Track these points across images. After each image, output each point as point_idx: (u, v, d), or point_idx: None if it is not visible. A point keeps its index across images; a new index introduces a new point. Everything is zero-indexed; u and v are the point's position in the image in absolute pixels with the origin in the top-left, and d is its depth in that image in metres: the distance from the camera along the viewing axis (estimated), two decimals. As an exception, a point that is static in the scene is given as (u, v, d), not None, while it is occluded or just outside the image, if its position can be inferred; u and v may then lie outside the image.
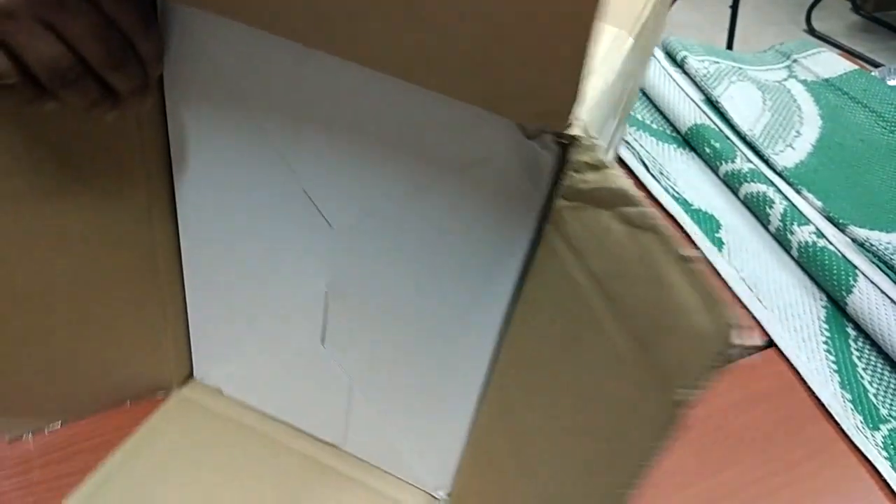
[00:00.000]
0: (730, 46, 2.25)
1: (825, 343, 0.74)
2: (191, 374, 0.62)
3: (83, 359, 0.54)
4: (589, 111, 0.31)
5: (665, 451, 0.29)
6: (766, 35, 2.68)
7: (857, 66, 1.09)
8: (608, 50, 0.37)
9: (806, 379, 0.70)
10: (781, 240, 0.83)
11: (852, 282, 0.75)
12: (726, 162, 0.89)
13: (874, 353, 0.73)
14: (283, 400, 0.59)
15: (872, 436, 0.66)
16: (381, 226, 0.42)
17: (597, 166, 0.30)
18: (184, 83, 0.42)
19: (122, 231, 0.49)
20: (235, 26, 0.37)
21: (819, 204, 0.84)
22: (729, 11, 2.23)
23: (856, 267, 0.77)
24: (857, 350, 0.73)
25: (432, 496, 0.57)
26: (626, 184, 0.29)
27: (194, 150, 0.46)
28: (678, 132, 0.95)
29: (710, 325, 0.26)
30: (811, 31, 2.68)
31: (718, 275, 0.79)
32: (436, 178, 0.37)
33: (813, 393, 0.69)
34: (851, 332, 0.75)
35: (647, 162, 0.89)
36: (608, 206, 0.29)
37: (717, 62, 1.03)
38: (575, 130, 0.29)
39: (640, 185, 0.87)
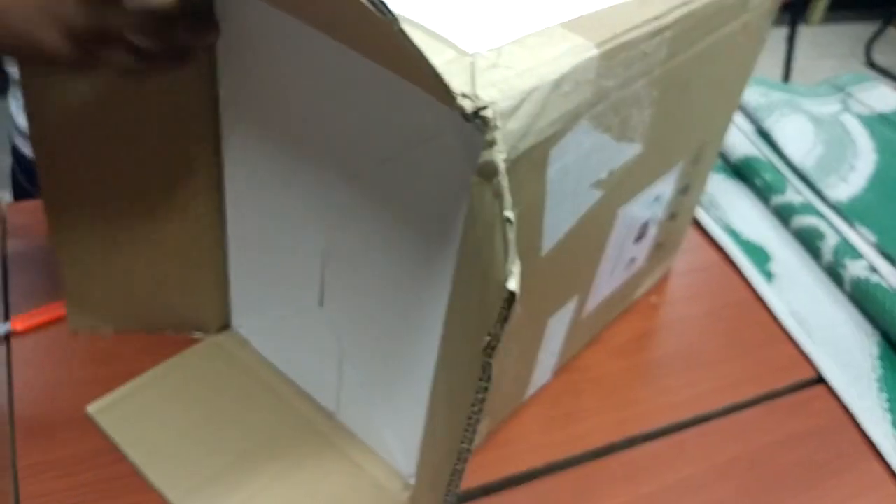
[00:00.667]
0: (786, 79, 2.23)
1: (878, 381, 0.72)
2: (228, 325, 0.69)
3: (139, 277, 0.64)
4: (509, 99, 0.36)
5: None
6: (824, 68, 2.65)
7: (914, 100, 1.07)
8: (556, 55, 0.40)
9: (856, 417, 0.69)
10: (833, 274, 0.81)
11: (907, 318, 0.74)
12: (777, 194, 0.88)
13: (929, 393, 0.71)
14: (294, 361, 0.64)
15: (925, 477, 0.64)
16: (361, 189, 0.48)
17: (490, 142, 0.35)
18: (232, 60, 0.52)
19: (180, 176, 0.59)
20: (266, 14, 0.47)
21: (873, 239, 0.82)
22: (785, 44, 2.21)
23: (910, 303, 0.75)
24: (911, 389, 0.71)
25: (406, 483, 0.59)
26: (498, 157, 0.35)
27: (238, 119, 0.55)
28: (728, 163, 0.95)
29: (502, 277, 0.35)
30: (871, 64, 2.64)
31: (767, 308, 0.78)
32: (400, 149, 0.44)
33: (863, 431, 0.68)
34: (906, 370, 0.73)
35: (696, 193, 0.89)
36: (489, 177, 0.36)
37: (770, 94, 1.02)
38: (487, 113, 0.35)
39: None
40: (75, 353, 0.65)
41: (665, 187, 0.63)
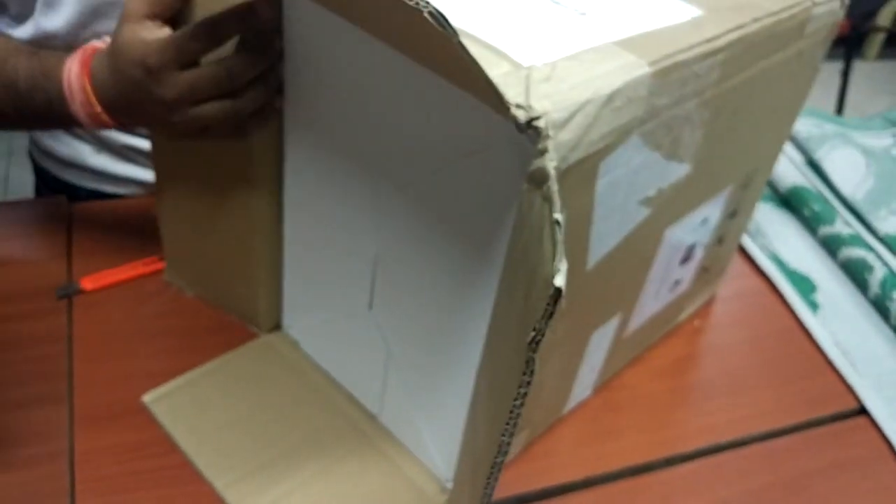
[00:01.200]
0: (839, 113, 2.21)
1: (921, 415, 0.72)
2: (280, 325, 0.72)
3: (214, 259, 0.69)
4: (563, 110, 0.38)
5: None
6: (878, 104, 2.62)
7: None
8: (609, 71, 0.41)
9: (897, 449, 0.69)
10: (880, 307, 0.81)
11: (953, 354, 0.73)
12: (825, 225, 0.88)
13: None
14: (340, 363, 0.67)
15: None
16: (414, 197, 0.51)
17: (541, 151, 0.37)
18: (297, 69, 0.56)
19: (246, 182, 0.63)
20: (330, 25, 0.49)
21: (922, 273, 0.82)
22: (839, 78, 2.19)
23: (957, 339, 0.75)
24: (955, 425, 0.71)
25: (443, 486, 0.61)
26: (549, 164, 0.37)
27: (299, 126, 0.58)
28: (777, 192, 0.95)
29: (550, 275, 0.36)
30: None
31: (810, 337, 0.78)
32: (453, 159, 0.46)
33: (905, 464, 0.68)
34: (950, 405, 0.72)
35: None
36: (539, 184, 0.37)
37: (822, 126, 1.02)
38: (540, 123, 0.36)
39: (735, 242, 0.88)
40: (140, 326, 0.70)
41: (713, 210, 0.64)
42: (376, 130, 0.51)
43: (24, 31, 0.75)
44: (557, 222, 0.36)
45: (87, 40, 0.72)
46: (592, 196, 0.45)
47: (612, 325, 0.62)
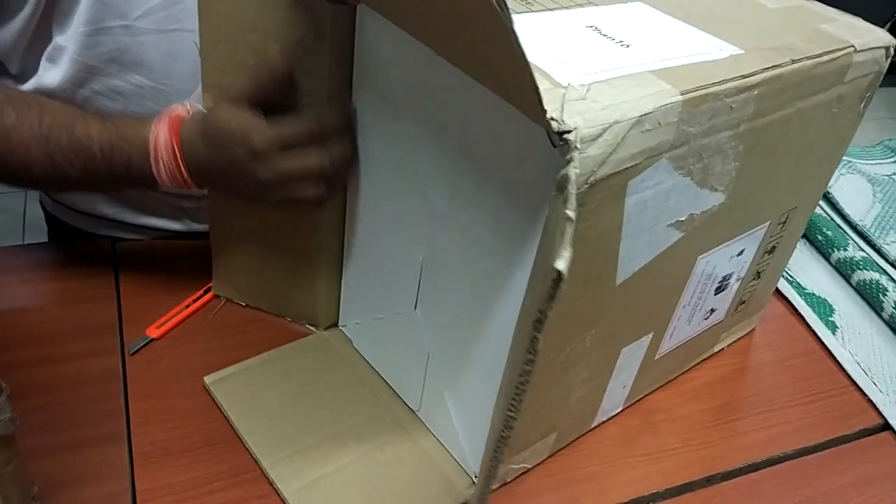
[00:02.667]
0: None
1: (942, 430, 0.75)
2: (336, 323, 0.77)
3: (269, 266, 0.75)
4: (591, 127, 0.41)
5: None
6: (866, 130, 2.67)
7: (966, 162, 1.11)
8: (641, 96, 0.45)
9: (923, 463, 0.71)
10: (895, 327, 0.84)
11: (970, 370, 0.76)
12: (838, 249, 0.92)
13: None
14: (387, 361, 0.72)
15: None
16: (459, 205, 0.55)
17: (569, 160, 0.41)
18: (362, 91, 0.61)
19: None
20: (393, 37, 0.55)
21: (933, 294, 0.86)
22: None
23: (973, 356, 0.78)
24: (977, 437, 0.74)
25: (473, 480, 0.64)
26: (571, 170, 0.41)
27: (363, 138, 0.64)
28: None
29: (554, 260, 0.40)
30: (912, 126, 2.66)
31: (833, 357, 0.81)
32: (496, 170, 0.50)
33: (930, 477, 0.71)
34: (970, 419, 0.75)
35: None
36: (562, 189, 0.41)
37: (827, 154, 1.06)
38: (570, 136, 0.40)
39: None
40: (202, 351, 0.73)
41: (749, 244, 0.67)
42: (430, 143, 0.56)
43: (23, 90, 0.77)
44: (569, 218, 0.40)
45: (84, 98, 0.76)
46: (621, 213, 0.48)
47: (644, 343, 0.65)
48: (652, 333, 0.65)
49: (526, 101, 0.41)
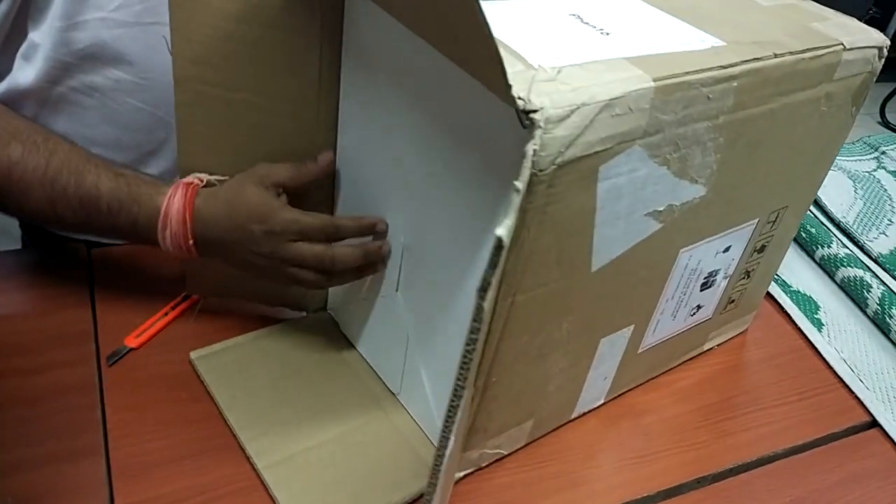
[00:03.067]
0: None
1: (928, 426, 0.75)
2: (325, 307, 0.78)
3: None
4: (558, 108, 0.41)
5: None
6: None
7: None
8: (612, 80, 0.44)
9: (911, 460, 0.71)
10: (880, 323, 0.84)
11: (955, 366, 0.76)
12: (822, 246, 0.91)
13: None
14: (370, 344, 0.72)
15: None
16: (437, 186, 0.55)
17: (530, 138, 0.41)
18: (353, 61, 0.61)
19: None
20: (381, 19, 0.54)
21: (917, 290, 0.86)
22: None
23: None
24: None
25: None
26: (529, 147, 0.41)
27: (350, 124, 0.64)
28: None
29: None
30: (885, 123, 2.69)
31: (819, 354, 0.81)
32: (472, 151, 0.51)
33: (918, 474, 0.70)
34: (956, 415, 0.75)
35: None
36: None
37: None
38: (536, 116, 0.40)
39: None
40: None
41: (736, 241, 0.66)
42: (408, 124, 0.56)
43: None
44: (517, 189, 0.41)
45: (59, 96, 0.74)
46: (593, 198, 0.48)
47: (625, 335, 0.64)
48: (633, 326, 0.65)
49: (494, 80, 0.41)
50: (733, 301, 0.75)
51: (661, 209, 0.54)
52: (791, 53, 0.53)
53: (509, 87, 0.39)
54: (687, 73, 0.47)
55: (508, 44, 0.45)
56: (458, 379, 0.46)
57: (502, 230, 0.39)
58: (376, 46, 0.57)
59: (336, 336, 0.75)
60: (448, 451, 0.50)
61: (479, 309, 0.43)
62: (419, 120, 0.55)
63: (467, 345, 0.45)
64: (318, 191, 0.68)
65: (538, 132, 0.41)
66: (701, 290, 0.68)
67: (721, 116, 0.51)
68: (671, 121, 0.48)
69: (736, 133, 0.54)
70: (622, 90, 0.44)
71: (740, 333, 0.83)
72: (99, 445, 0.63)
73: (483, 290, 0.42)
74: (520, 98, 0.40)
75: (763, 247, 0.71)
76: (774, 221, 0.69)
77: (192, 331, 0.73)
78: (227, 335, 0.73)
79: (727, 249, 0.66)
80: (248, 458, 0.63)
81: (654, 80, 0.46)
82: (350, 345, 0.74)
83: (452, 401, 0.48)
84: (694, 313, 0.70)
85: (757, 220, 0.66)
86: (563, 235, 0.48)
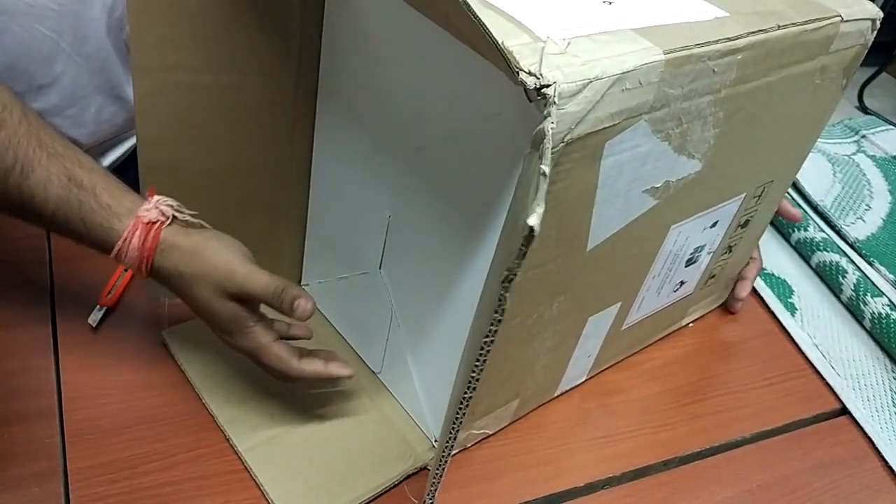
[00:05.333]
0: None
1: (898, 415, 0.74)
2: (299, 282, 0.75)
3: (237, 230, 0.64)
4: (570, 82, 0.39)
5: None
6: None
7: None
8: (623, 53, 0.42)
9: (879, 448, 0.71)
10: (854, 309, 0.84)
11: (926, 356, 0.76)
12: (799, 230, 0.90)
13: (949, 428, 0.73)
14: (349, 321, 0.70)
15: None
16: (427, 160, 0.54)
17: (545, 116, 0.38)
18: (332, 45, 0.59)
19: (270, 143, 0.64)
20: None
21: (892, 277, 0.85)
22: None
23: (930, 341, 0.77)
24: (932, 423, 0.73)
25: (432, 444, 0.63)
26: (547, 125, 0.38)
27: (331, 97, 0.61)
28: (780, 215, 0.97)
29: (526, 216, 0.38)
30: (863, 108, 2.69)
31: (792, 339, 0.80)
32: (467, 124, 0.49)
33: (886, 462, 0.70)
34: (925, 405, 0.75)
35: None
36: (537, 145, 0.39)
37: (788, 132, 1.05)
38: (548, 91, 0.38)
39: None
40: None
41: (723, 216, 0.65)
42: (398, 95, 0.54)
43: None
44: (543, 173, 0.38)
45: None
46: (596, 175, 0.46)
47: (611, 312, 0.63)
48: (620, 303, 0.63)
49: (499, 60, 0.39)
50: (714, 276, 0.74)
51: (658, 185, 0.52)
52: (794, 25, 0.51)
53: (509, 61, 0.38)
54: (696, 46, 0.45)
55: (511, 13, 0.43)
56: (473, 371, 0.45)
57: (534, 219, 0.37)
58: (361, 7, 0.54)
59: (315, 317, 0.70)
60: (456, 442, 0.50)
61: (501, 300, 0.41)
62: (408, 87, 0.52)
63: (486, 336, 0.43)
64: (298, 153, 0.65)
65: (553, 108, 0.38)
66: (686, 266, 0.66)
67: (723, 90, 0.50)
68: (677, 95, 0.46)
69: (735, 107, 0.52)
70: (634, 63, 0.42)
71: (717, 307, 0.82)
72: (53, 408, 0.60)
73: (508, 280, 0.40)
74: (531, 73, 0.38)
75: (747, 221, 0.70)
76: (760, 196, 0.67)
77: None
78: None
79: (714, 225, 0.65)
80: (227, 439, 0.60)
81: (665, 53, 0.44)
82: (328, 322, 0.72)
83: (465, 393, 0.47)
84: (677, 289, 0.69)
85: (744, 194, 0.65)
86: (564, 214, 0.46)
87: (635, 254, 0.59)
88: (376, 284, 0.63)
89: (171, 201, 0.57)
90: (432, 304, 0.58)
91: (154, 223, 0.55)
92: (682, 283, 0.69)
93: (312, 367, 0.58)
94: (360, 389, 0.66)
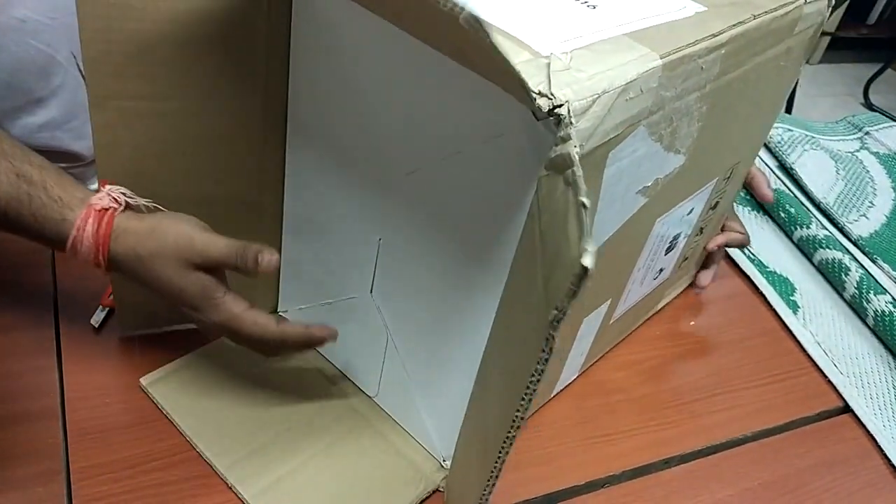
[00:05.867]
0: (787, 114, 2.27)
1: (901, 412, 0.74)
2: (275, 309, 0.71)
3: None
4: (581, 99, 0.38)
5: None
6: (822, 106, 2.69)
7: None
8: (624, 62, 0.42)
9: (882, 446, 0.71)
10: (857, 307, 0.83)
11: (929, 353, 0.76)
12: (801, 227, 0.90)
13: (952, 425, 0.73)
14: (338, 346, 0.65)
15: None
16: (421, 183, 0.52)
17: (564, 138, 0.37)
18: (304, 62, 0.56)
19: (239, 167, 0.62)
20: (343, 10, 0.50)
21: (895, 274, 0.85)
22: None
23: (933, 338, 0.77)
24: (935, 421, 0.73)
25: (441, 465, 0.62)
26: (572, 150, 0.37)
27: (303, 111, 0.59)
28: (753, 196, 0.97)
29: (577, 254, 0.35)
30: (869, 105, 2.68)
31: (794, 337, 0.80)
32: (466, 145, 0.47)
33: (889, 460, 0.70)
34: (928, 402, 0.75)
35: (722, 223, 0.91)
36: (561, 170, 0.37)
37: (791, 130, 1.05)
38: (562, 111, 0.37)
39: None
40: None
41: (698, 202, 0.65)
42: (385, 115, 0.52)
43: None
44: (584, 205, 0.36)
45: None
46: (599, 185, 0.45)
47: (602, 311, 0.63)
48: (610, 300, 0.63)
49: (506, 80, 0.38)
50: (686, 259, 0.75)
51: (649, 184, 0.52)
52: (766, 13, 0.52)
53: (525, 84, 0.37)
54: (687, 46, 0.45)
55: (503, 27, 0.42)
56: (519, 410, 0.44)
57: (588, 260, 0.34)
58: (337, 23, 0.52)
59: None
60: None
61: (549, 339, 0.40)
62: (397, 108, 0.51)
63: (532, 376, 0.42)
64: (269, 176, 0.63)
65: (572, 130, 0.37)
66: (665, 254, 0.67)
67: (708, 85, 0.50)
68: (671, 96, 0.46)
69: (716, 99, 0.52)
70: (636, 72, 0.41)
71: (689, 286, 0.83)
72: (56, 409, 0.61)
73: (557, 321, 0.38)
74: (541, 94, 0.37)
75: (717, 203, 0.70)
76: (728, 178, 0.68)
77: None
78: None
79: (690, 212, 0.65)
80: (229, 487, 0.58)
81: (662, 58, 0.43)
82: (318, 353, 0.69)
83: (509, 432, 0.46)
84: (657, 277, 0.70)
85: (716, 178, 0.65)
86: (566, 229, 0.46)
87: (625, 252, 0.59)
88: (367, 308, 0.61)
89: (124, 189, 0.55)
90: (431, 326, 0.57)
91: (107, 210, 0.54)
92: (661, 270, 0.70)
93: (294, 329, 0.56)
94: (358, 415, 0.65)
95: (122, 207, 0.54)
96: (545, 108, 0.37)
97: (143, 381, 0.63)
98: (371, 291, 0.61)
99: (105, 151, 0.56)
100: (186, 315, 0.56)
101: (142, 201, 0.56)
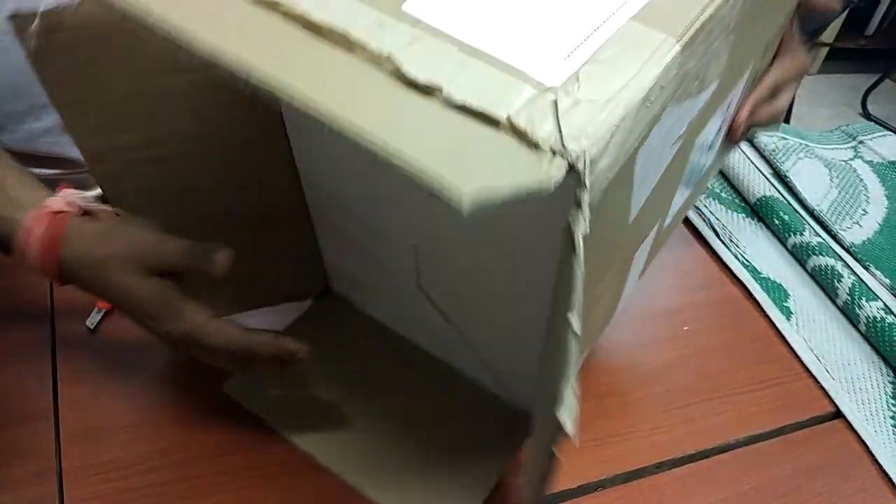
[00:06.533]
0: (786, 124, 2.27)
1: (892, 418, 0.74)
2: (326, 288, 0.74)
3: (245, 267, 0.58)
4: (599, 140, 0.33)
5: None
6: (819, 117, 2.70)
7: (922, 151, 1.10)
8: (639, 67, 0.36)
9: (874, 452, 0.71)
10: (849, 313, 0.84)
11: (921, 359, 0.76)
12: (795, 234, 0.91)
13: (943, 431, 0.73)
14: (400, 320, 0.69)
15: (943, 512, 0.66)
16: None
17: (582, 188, 0.33)
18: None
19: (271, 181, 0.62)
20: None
21: (887, 281, 0.85)
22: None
23: (925, 345, 0.77)
24: (926, 427, 0.73)
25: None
26: (581, 226, 0.33)
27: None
28: (747, 202, 0.97)
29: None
30: (866, 115, 2.69)
31: (786, 342, 0.80)
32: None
33: (881, 466, 0.70)
34: (920, 408, 0.75)
35: (717, 229, 0.91)
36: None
37: (786, 138, 1.05)
38: (579, 166, 0.32)
39: (711, 251, 0.89)
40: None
41: (737, 91, 0.62)
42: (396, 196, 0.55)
43: None
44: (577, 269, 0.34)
45: None
46: (632, 178, 0.42)
47: (652, 235, 0.61)
48: (658, 222, 0.60)
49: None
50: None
51: (683, 131, 0.48)
52: None
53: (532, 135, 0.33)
54: (704, 10, 0.39)
55: (491, 47, 0.36)
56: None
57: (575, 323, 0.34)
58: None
59: (362, 319, 0.71)
60: None
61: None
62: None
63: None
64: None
65: (585, 194, 0.33)
66: (706, 153, 0.64)
67: (732, 21, 0.44)
68: (695, 64, 0.41)
69: (741, 23, 0.47)
70: (654, 74, 0.36)
71: None
72: (49, 409, 0.61)
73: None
74: (554, 152, 0.32)
75: (755, 78, 0.67)
76: (763, 54, 0.65)
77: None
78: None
79: (729, 105, 0.62)
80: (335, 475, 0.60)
81: (678, 40, 0.37)
82: (374, 321, 0.70)
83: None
84: (699, 174, 0.67)
85: (752, 63, 0.61)
86: (607, 224, 0.43)
87: (666, 188, 0.55)
88: (418, 297, 0.63)
89: (84, 193, 0.52)
90: (488, 308, 0.58)
91: (59, 213, 0.50)
92: (703, 166, 0.66)
93: (262, 338, 0.53)
94: (443, 377, 0.68)
95: (77, 212, 0.51)
96: (564, 170, 0.32)
97: (226, 387, 0.64)
98: (418, 286, 0.62)
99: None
100: (148, 329, 0.52)
101: (102, 207, 0.53)
